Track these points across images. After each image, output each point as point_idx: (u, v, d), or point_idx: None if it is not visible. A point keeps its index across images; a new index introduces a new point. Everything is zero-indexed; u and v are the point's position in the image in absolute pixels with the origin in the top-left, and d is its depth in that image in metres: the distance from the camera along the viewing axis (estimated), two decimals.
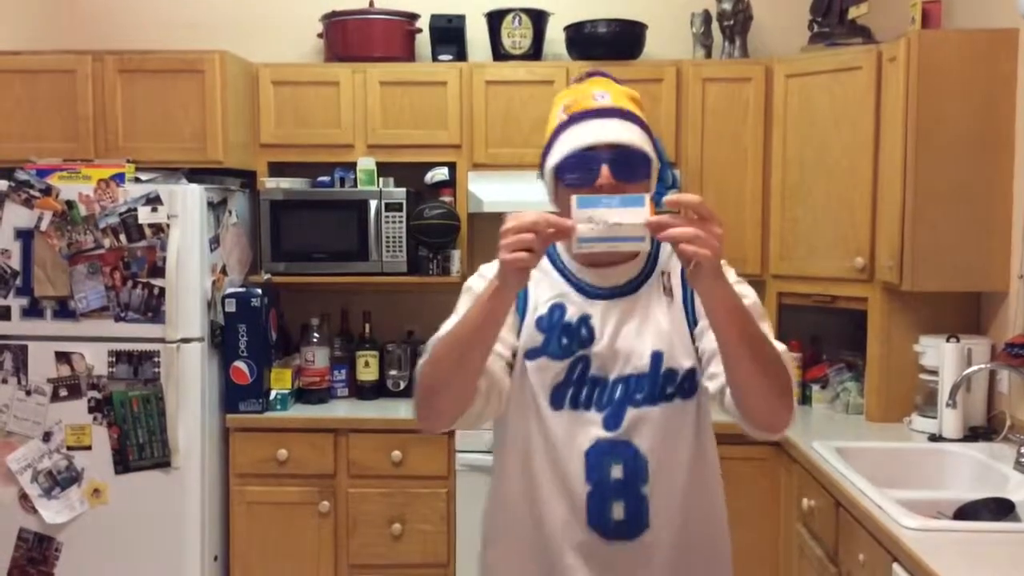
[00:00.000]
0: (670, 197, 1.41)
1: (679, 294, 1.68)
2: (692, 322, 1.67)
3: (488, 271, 1.65)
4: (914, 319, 3.22)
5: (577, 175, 1.58)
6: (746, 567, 3.30)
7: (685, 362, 1.65)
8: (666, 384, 1.64)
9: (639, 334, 1.65)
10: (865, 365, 3.36)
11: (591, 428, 1.63)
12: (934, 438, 2.97)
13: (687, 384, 1.66)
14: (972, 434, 2.95)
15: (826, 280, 3.43)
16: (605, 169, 1.55)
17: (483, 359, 1.55)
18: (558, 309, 1.67)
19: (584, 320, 1.66)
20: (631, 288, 1.68)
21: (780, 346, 1.58)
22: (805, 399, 3.66)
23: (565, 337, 1.65)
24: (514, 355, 1.68)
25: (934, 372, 3.05)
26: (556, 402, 1.65)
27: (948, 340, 2.99)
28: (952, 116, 2.99)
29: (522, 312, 1.69)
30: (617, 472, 1.61)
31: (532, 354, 1.66)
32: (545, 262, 1.69)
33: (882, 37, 3.40)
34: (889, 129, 3.13)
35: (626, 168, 1.57)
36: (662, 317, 1.66)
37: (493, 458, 1.79)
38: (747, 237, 3.62)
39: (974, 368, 2.88)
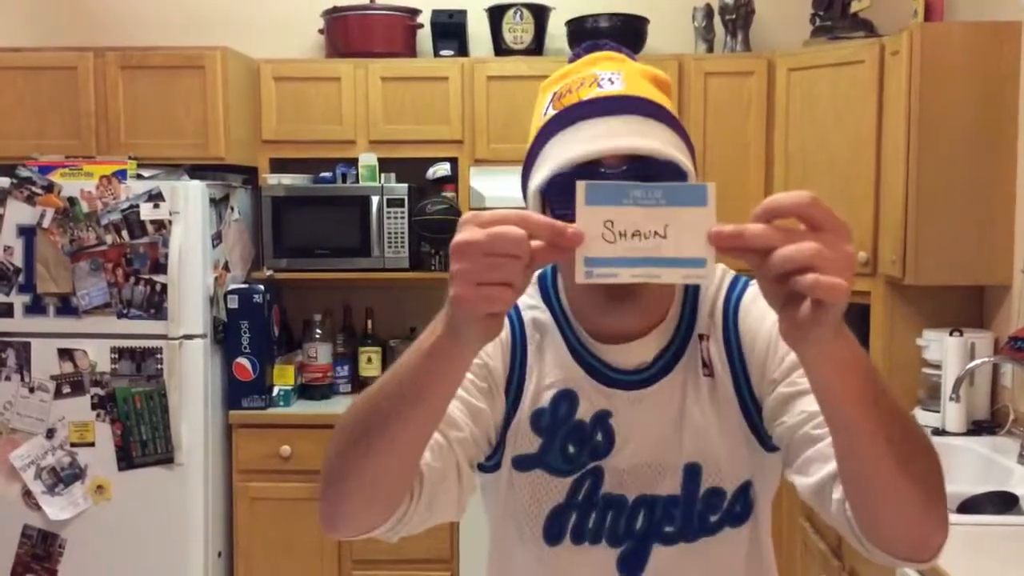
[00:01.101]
0: (764, 205, 0.86)
1: (724, 369, 1.15)
2: (754, 407, 1.15)
3: None
4: (917, 313, 3.21)
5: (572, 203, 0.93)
6: None
7: (736, 475, 1.15)
8: (708, 511, 1.15)
9: (669, 437, 1.15)
10: None
11: (600, 571, 1.16)
12: (937, 432, 2.96)
13: (740, 506, 1.17)
14: (975, 428, 2.94)
15: None
16: None
17: (411, 447, 0.99)
18: (565, 401, 1.16)
19: (601, 420, 1.15)
20: (664, 368, 1.15)
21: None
22: None
23: (572, 444, 1.15)
24: (494, 449, 1.18)
25: (937, 366, 3.04)
26: (553, 534, 1.17)
27: (951, 334, 2.99)
28: (955, 109, 2.98)
29: (516, 386, 1.17)
30: None
31: (523, 464, 1.17)
32: (548, 318, 1.19)
33: (884, 30, 3.39)
34: (892, 123, 3.13)
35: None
36: (699, 409, 1.15)
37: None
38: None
39: (977, 362, 2.87)
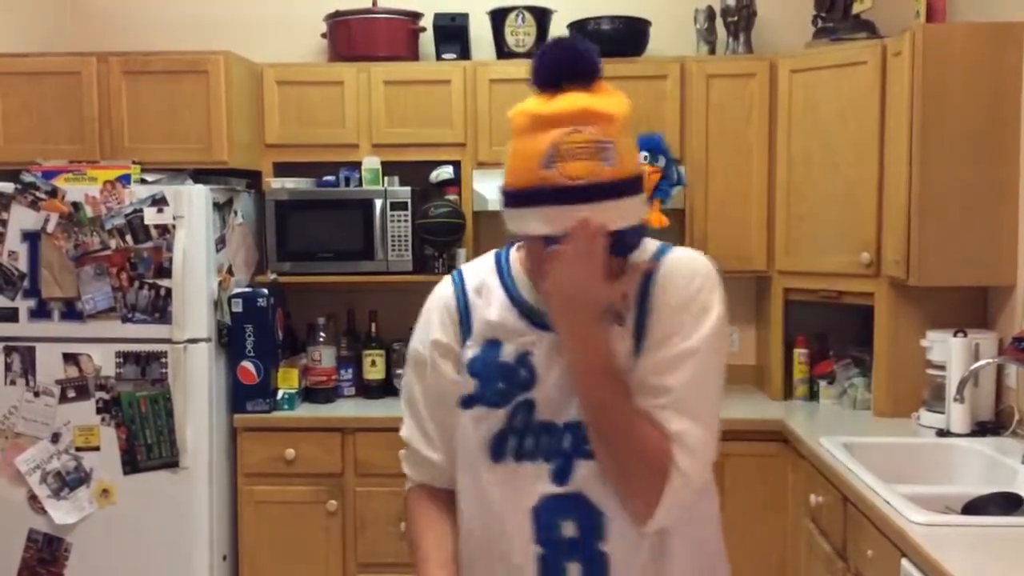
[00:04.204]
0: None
1: (630, 321, 1.39)
2: (637, 351, 1.39)
3: (428, 336, 1.49)
4: (921, 314, 3.21)
5: (550, 243, 1.32)
6: (754, 563, 3.31)
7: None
8: None
9: None
10: (872, 360, 3.36)
11: (537, 483, 1.39)
12: (942, 433, 2.96)
13: None
14: (980, 429, 2.94)
15: (832, 276, 3.42)
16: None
17: None
18: (493, 347, 1.43)
19: (523, 358, 1.41)
20: None
21: (691, 438, 1.32)
22: (812, 395, 3.66)
23: (502, 381, 1.41)
24: None
25: (941, 367, 3.04)
26: (497, 454, 1.42)
27: (955, 335, 2.99)
28: (958, 110, 2.98)
29: (464, 341, 1.47)
30: (570, 530, 1.38)
31: (467, 402, 1.44)
32: (491, 281, 1.48)
33: (887, 31, 3.39)
34: (894, 124, 3.13)
35: (629, 246, 1.37)
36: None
37: None
38: (752, 233, 3.61)
39: (982, 362, 2.87)
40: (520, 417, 1.41)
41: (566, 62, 1.31)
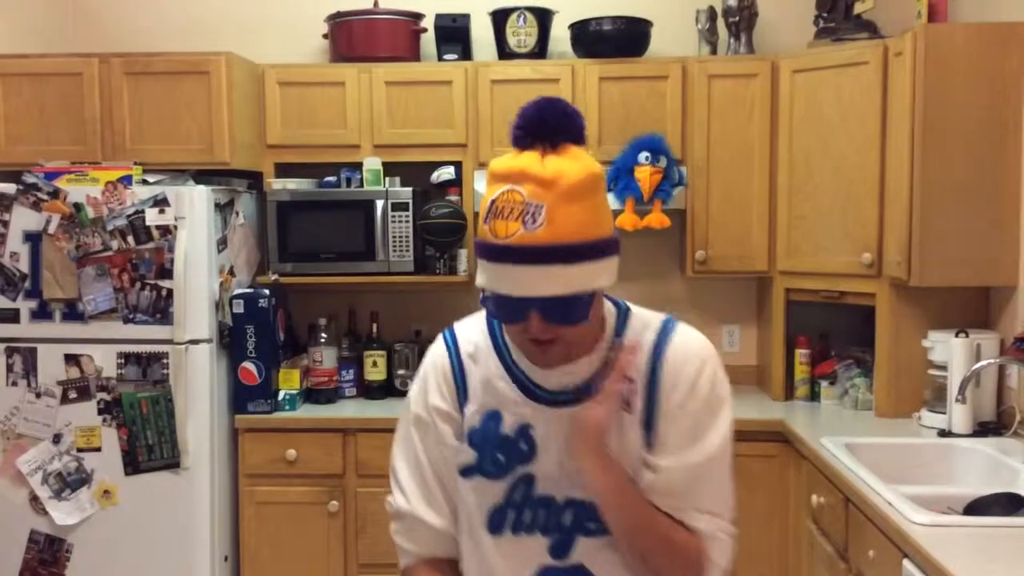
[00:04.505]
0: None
1: (639, 408, 1.38)
2: (649, 443, 1.38)
3: (427, 401, 1.47)
4: (922, 314, 3.21)
5: (502, 315, 1.35)
6: (756, 564, 3.31)
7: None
8: None
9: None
10: (874, 361, 3.36)
11: (535, 556, 1.40)
12: (943, 433, 2.96)
13: None
14: (982, 429, 2.94)
15: (834, 276, 3.42)
16: (536, 319, 1.29)
17: None
18: (492, 420, 1.41)
19: (523, 431, 1.40)
20: (583, 392, 1.36)
21: (709, 527, 1.38)
22: (814, 395, 3.66)
23: (501, 453, 1.40)
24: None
25: (943, 367, 3.04)
26: (494, 526, 1.42)
27: (957, 335, 2.98)
28: (960, 110, 2.98)
29: (462, 409, 1.45)
30: None
31: (466, 472, 1.43)
32: (485, 351, 1.45)
33: (888, 32, 3.39)
34: (896, 124, 3.12)
35: (562, 314, 1.29)
36: (616, 434, 1.36)
37: None
38: (754, 234, 3.61)
39: (983, 363, 2.87)
40: (520, 491, 1.40)
41: (532, 121, 1.30)
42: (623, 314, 1.44)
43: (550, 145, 1.29)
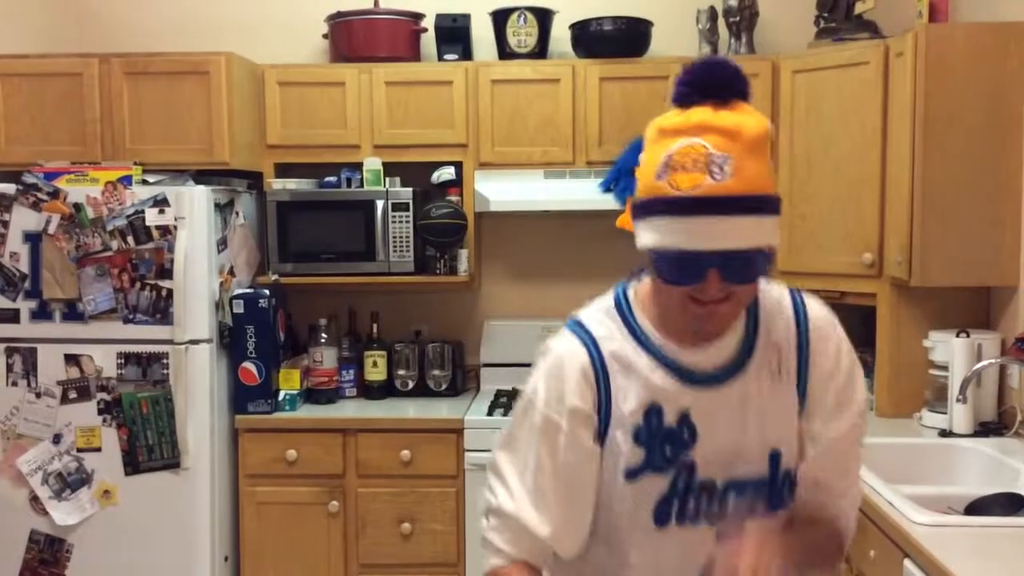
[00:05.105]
0: None
1: (791, 375, 1.41)
2: (801, 408, 1.42)
3: (563, 402, 1.38)
4: (923, 314, 3.21)
5: (678, 276, 1.29)
6: None
7: (795, 459, 1.43)
8: (784, 489, 1.42)
9: (747, 427, 1.39)
10: (874, 361, 3.35)
11: (703, 544, 1.37)
12: (944, 433, 2.96)
13: (792, 483, 1.44)
14: (983, 429, 2.93)
15: (834, 276, 3.41)
16: (714, 276, 1.26)
17: None
18: (655, 414, 1.38)
19: (684, 419, 1.38)
20: (736, 367, 1.39)
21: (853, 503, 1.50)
22: None
23: (668, 445, 1.37)
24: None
25: (944, 367, 3.03)
26: (660, 519, 1.39)
27: (958, 335, 2.98)
28: (960, 110, 2.98)
29: (605, 411, 1.39)
30: None
31: (633, 473, 1.38)
32: (627, 345, 1.40)
33: (889, 32, 3.38)
34: (897, 124, 3.12)
35: (741, 272, 1.28)
36: (774, 404, 1.39)
37: None
38: None
39: (984, 363, 2.86)
40: (683, 479, 1.38)
41: (700, 78, 1.30)
42: None
43: (721, 101, 1.29)
